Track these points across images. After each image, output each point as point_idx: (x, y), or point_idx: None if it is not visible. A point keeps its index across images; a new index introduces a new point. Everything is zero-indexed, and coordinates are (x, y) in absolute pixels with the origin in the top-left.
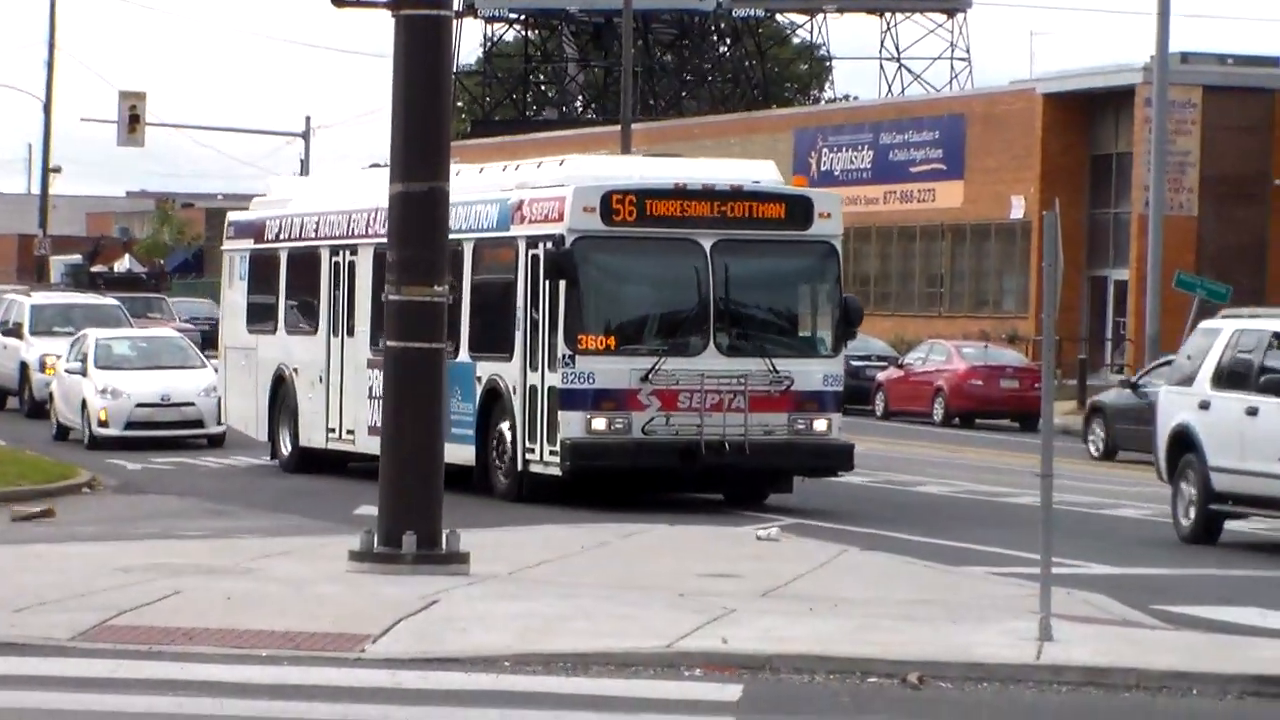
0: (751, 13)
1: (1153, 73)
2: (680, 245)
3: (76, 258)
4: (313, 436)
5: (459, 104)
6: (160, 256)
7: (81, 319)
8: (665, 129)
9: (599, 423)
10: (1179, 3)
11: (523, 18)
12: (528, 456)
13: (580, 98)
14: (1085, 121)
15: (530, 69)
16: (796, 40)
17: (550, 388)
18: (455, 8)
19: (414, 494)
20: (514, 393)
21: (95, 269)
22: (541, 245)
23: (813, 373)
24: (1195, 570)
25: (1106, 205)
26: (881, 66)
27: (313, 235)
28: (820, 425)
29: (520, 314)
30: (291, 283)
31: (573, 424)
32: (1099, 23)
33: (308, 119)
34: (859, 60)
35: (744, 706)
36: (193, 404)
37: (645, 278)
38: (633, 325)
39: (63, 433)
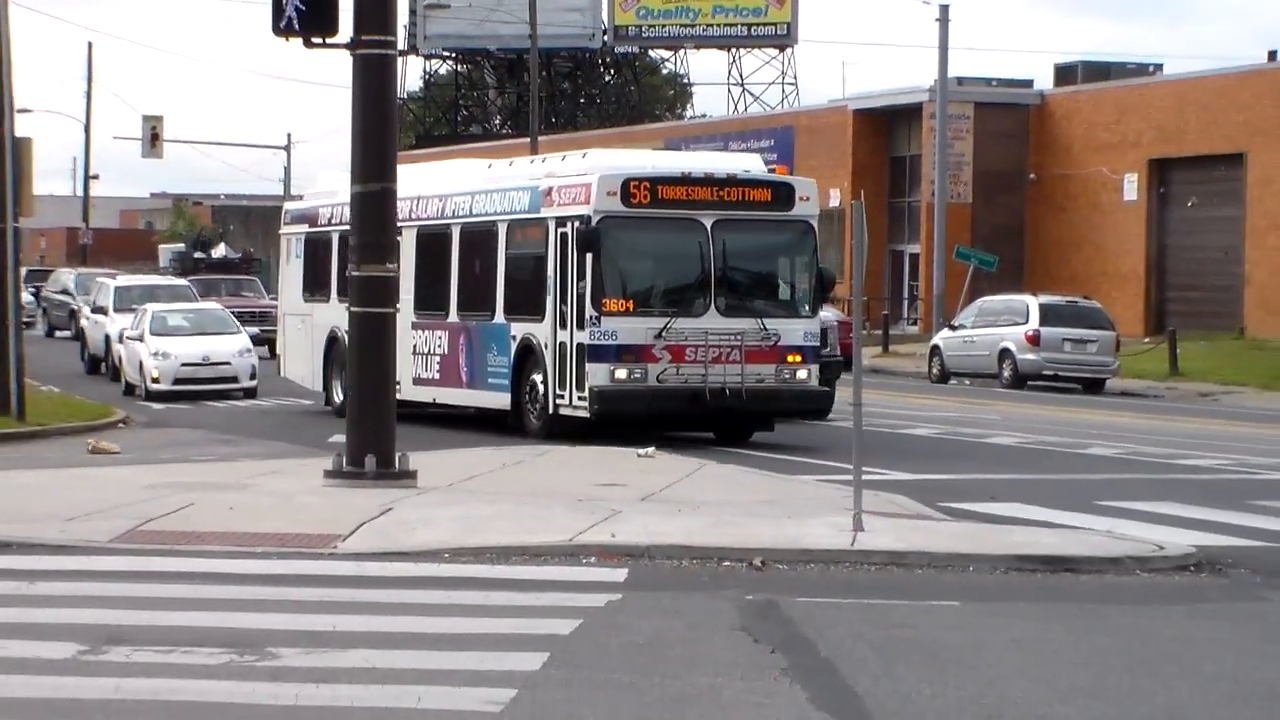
0: (630, 50)
1: (936, 93)
2: (686, 224)
3: (181, 246)
4: None
5: (406, 121)
6: (179, 242)
7: (159, 297)
8: (563, 140)
9: (621, 373)
10: (955, 38)
11: (454, 55)
12: (558, 402)
13: (498, 117)
14: (885, 131)
15: (460, 95)
16: (664, 71)
17: (579, 344)
18: (400, 48)
19: (373, 425)
20: (546, 348)
21: (197, 255)
22: (570, 224)
23: (795, 330)
24: (972, 475)
25: (902, 195)
26: (729, 90)
27: None
28: (802, 374)
29: (551, 282)
30: (343, 258)
31: (599, 374)
32: (895, 54)
33: (289, 135)
34: (712, 85)
35: (628, 585)
36: (229, 363)
37: (657, 251)
38: (647, 291)
39: (130, 389)
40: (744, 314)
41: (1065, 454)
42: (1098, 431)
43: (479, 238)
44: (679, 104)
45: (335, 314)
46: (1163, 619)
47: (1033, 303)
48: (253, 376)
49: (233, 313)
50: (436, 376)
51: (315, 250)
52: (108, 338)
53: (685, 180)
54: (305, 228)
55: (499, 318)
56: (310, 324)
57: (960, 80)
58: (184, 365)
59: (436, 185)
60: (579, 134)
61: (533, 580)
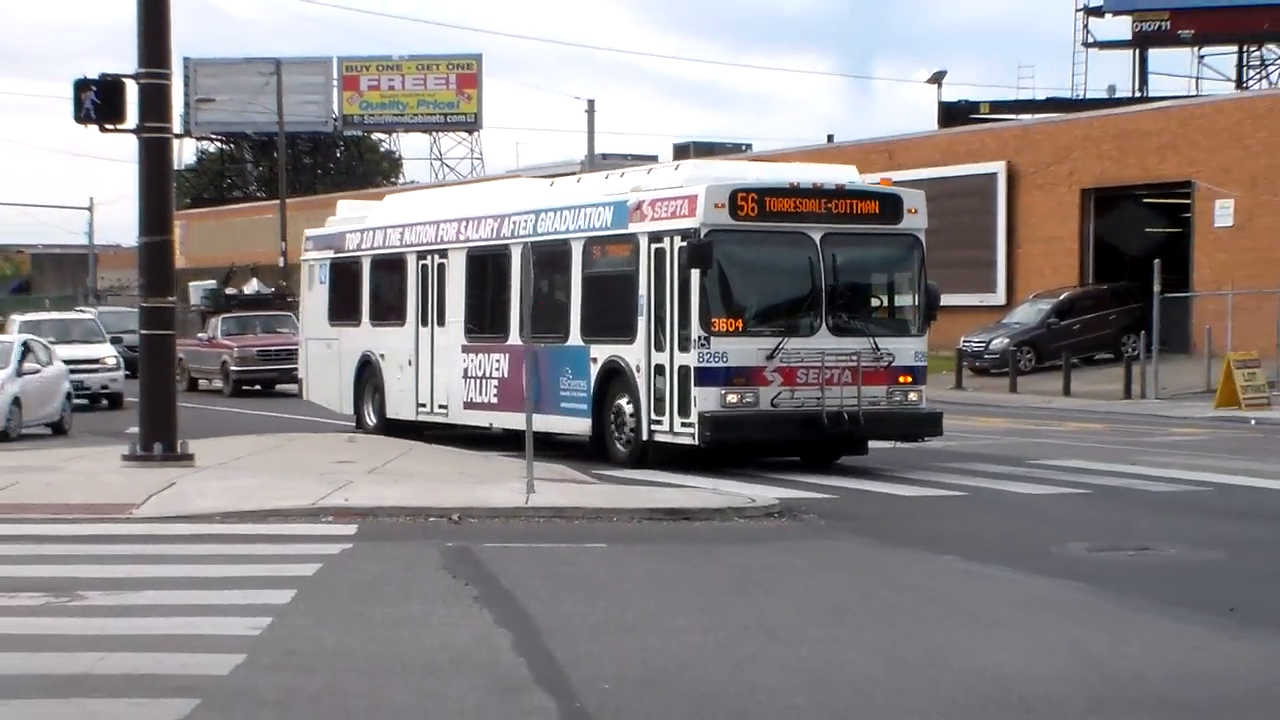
0: (355, 133)
1: (585, 165)
2: (794, 237)
3: (212, 283)
4: (401, 411)
5: (183, 188)
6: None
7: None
8: (306, 203)
9: (732, 397)
10: (601, 123)
11: (220, 137)
12: (653, 428)
13: (254, 184)
14: None
15: (224, 168)
16: (382, 149)
17: (683, 366)
18: (176, 131)
19: (160, 419)
20: (638, 371)
21: (229, 291)
22: (669, 240)
23: (907, 349)
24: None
25: None
26: (431, 164)
27: (398, 243)
28: (913, 396)
29: (643, 301)
30: (377, 283)
31: (708, 398)
32: (558, 136)
33: (91, 198)
34: (419, 160)
35: (358, 537)
36: None
37: (766, 266)
38: (756, 309)
39: None
40: (856, 333)
41: None
42: None
43: (547, 257)
44: (393, 174)
45: (367, 338)
46: (755, 553)
47: None
48: (15, 421)
49: (269, 351)
50: (494, 401)
51: (343, 276)
52: None
53: (794, 191)
54: (330, 254)
55: (575, 339)
56: (338, 348)
57: (604, 155)
58: None
59: (489, 205)
60: (318, 197)
61: (284, 535)
